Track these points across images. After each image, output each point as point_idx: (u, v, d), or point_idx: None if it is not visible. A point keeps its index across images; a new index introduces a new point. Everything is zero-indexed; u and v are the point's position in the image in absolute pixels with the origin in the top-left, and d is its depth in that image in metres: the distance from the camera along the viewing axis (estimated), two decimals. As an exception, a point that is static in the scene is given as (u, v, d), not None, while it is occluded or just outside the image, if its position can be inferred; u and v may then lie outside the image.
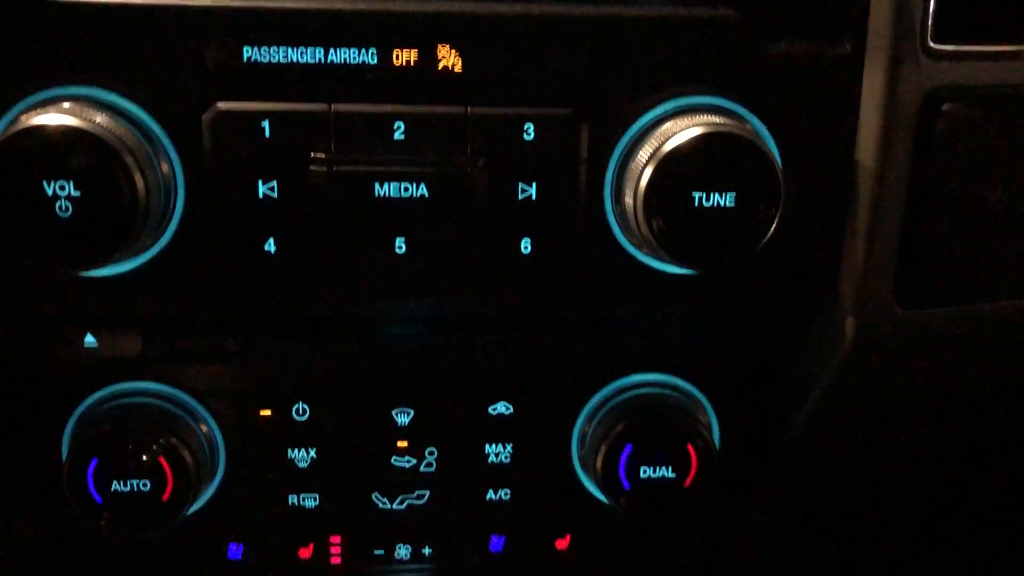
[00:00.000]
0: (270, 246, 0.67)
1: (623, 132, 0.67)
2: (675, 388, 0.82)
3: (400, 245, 0.68)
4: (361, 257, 0.68)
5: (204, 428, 0.78)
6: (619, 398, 0.80)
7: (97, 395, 0.77)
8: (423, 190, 0.66)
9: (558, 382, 0.80)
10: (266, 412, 0.78)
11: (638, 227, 0.65)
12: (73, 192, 0.60)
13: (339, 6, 0.64)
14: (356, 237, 0.67)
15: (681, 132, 0.63)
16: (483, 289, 0.71)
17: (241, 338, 0.75)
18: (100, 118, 0.61)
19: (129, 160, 0.61)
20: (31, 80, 0.63)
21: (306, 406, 0.79)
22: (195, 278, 0.68)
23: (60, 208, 0.60)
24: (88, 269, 0.64)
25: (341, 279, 0.69)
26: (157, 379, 0.77)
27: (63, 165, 0.60)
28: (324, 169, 0.65)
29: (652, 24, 0.66)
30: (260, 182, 0.65)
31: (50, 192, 0.60)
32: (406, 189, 0.66)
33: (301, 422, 0.79)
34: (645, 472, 0.77)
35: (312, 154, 0.65)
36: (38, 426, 0.76)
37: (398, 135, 0.66)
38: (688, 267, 0.67)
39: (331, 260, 0.68)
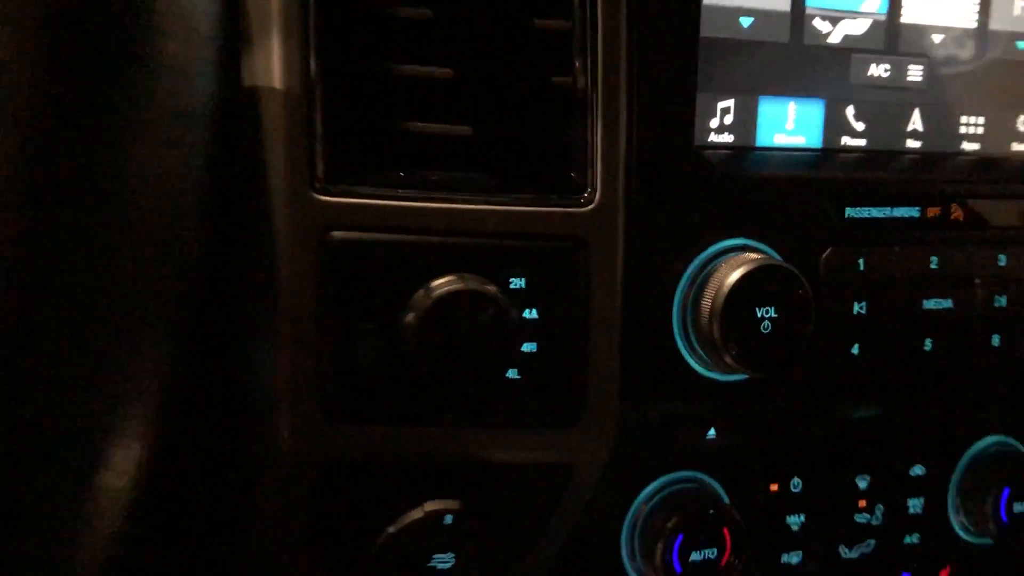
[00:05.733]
0: (855, 349, 0.91)
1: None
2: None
3: None
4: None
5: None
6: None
7: (659, 481, 0.96)
8: None
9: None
10: (774, 486, 1.00)
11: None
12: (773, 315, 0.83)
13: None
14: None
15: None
16: None
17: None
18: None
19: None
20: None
21: (799, 479, 1.01)
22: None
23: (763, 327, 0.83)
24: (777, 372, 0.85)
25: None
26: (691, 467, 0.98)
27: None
28: None
29: None
30: (855, 302, 0.90)
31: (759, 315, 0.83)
32: None
33: (796, 493, 1.01)
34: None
35: None
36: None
37: None
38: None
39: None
